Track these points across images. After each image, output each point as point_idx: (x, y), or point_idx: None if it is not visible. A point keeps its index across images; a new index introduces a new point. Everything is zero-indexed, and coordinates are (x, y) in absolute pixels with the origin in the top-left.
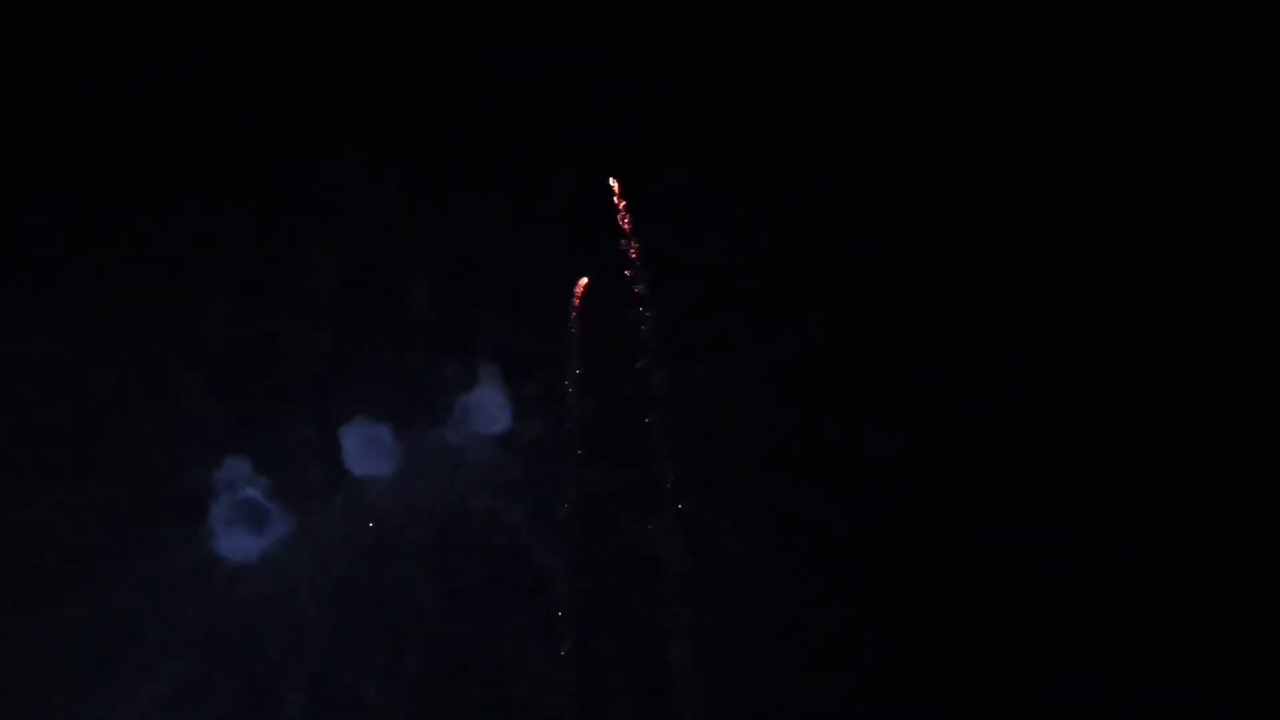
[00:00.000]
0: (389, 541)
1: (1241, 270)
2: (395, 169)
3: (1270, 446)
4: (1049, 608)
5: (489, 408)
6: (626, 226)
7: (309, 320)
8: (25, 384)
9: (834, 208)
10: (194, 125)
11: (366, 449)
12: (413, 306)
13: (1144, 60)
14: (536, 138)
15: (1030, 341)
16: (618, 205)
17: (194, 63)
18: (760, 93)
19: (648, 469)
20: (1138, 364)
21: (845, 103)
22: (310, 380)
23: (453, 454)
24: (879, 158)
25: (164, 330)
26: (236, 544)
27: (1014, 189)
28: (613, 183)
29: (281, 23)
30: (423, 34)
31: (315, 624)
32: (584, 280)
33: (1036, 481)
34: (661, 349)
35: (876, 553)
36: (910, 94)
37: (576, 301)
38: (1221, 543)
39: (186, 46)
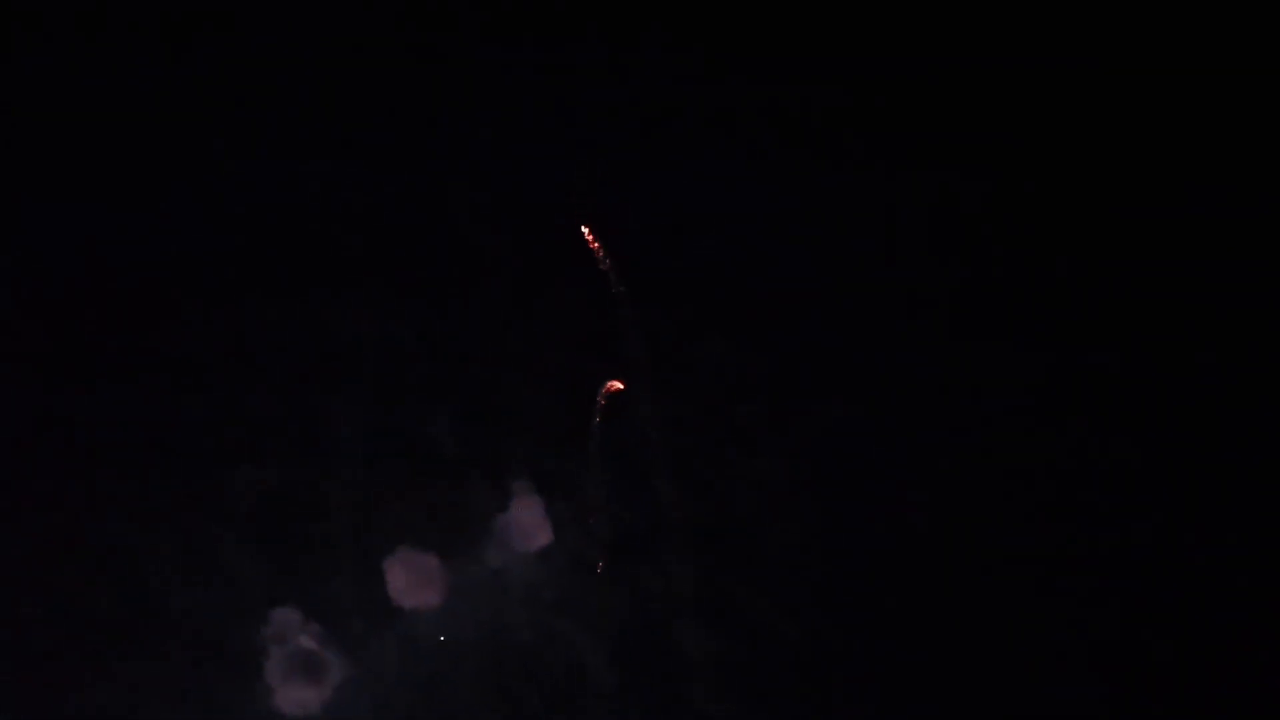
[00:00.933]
0: (445, 673)
1: (1243, 271)
2: (402, 303)
3: (1271, 446)
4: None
5: (526, 525)
6: (605, 266)
7: (337, 464)
8: (69, 570)
9: (858, 287)
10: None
11: (413, 581)
12: (438, 435)
13: (1144, 60)
14: (537, 244)
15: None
16: (595, 252)
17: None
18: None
19: (685, 567)
20: (1139, 365)
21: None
22: (347, 520)
23: (497, 576)
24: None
25: (195, 496)
26: (295, 697)
27: (1013, 192)
28: (585, 231)
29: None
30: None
31: None
32: (613, 384)
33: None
34: (682, 445)
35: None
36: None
37: (602, 404)
38: (1222, 543)
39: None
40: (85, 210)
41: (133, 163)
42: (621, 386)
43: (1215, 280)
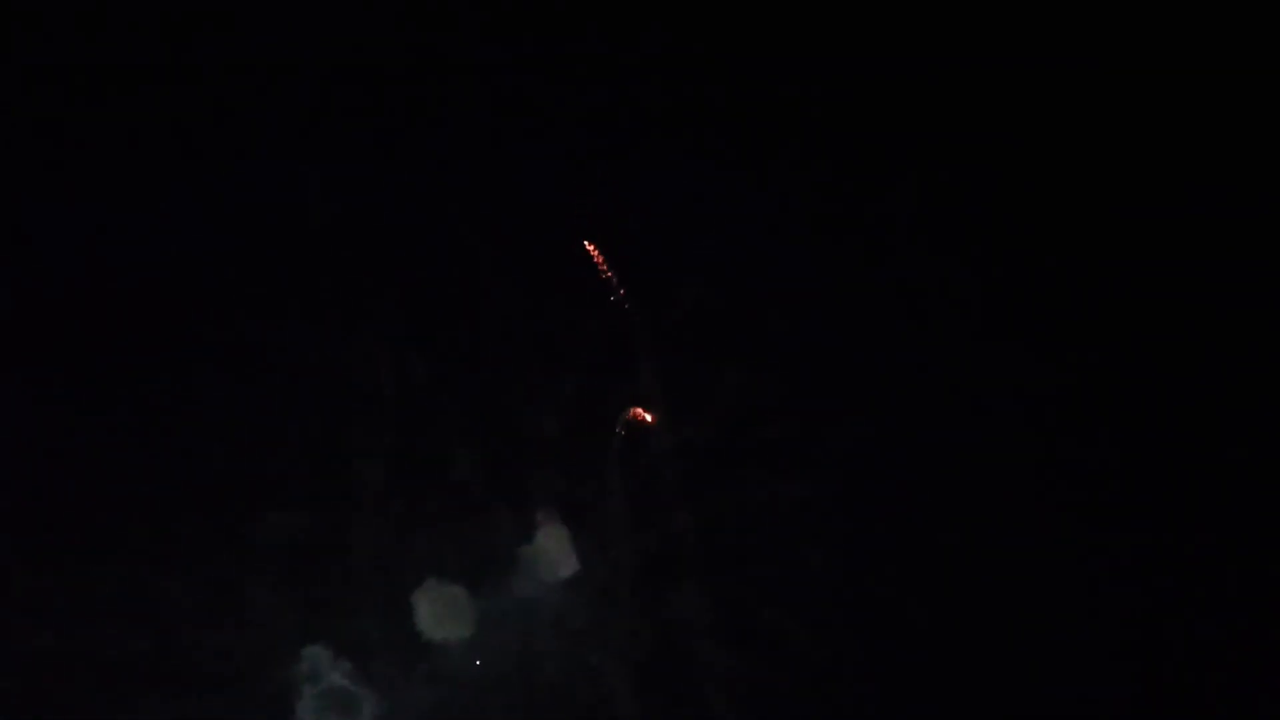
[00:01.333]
0: (476, 705)
1: (1241, 271)
2: (420, 346)
3: (1270, 447)
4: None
5: (552, 555)
6: (615, 284)
7: (361, 501)
8: (102, 615)
9: (866, 292)
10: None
11: (441, 613)
12: (461, 468)
13: (1144, 60)
14: (543, 257)
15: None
16: (600, 268)
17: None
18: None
19: (714, 589)
20: (1138, 366)
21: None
22: (374, 556)
23: (524, 605)
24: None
25: (222, 538)
26: None
27: (1013, 191)
28: (589, 247)
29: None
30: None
31: None
32: (635, 410)
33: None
34: (704, 468)
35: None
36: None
37: (622, 432)
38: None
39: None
40: (85, 210)
41: (133, 163)
42: (649, 418)
43: (1215, 280)
